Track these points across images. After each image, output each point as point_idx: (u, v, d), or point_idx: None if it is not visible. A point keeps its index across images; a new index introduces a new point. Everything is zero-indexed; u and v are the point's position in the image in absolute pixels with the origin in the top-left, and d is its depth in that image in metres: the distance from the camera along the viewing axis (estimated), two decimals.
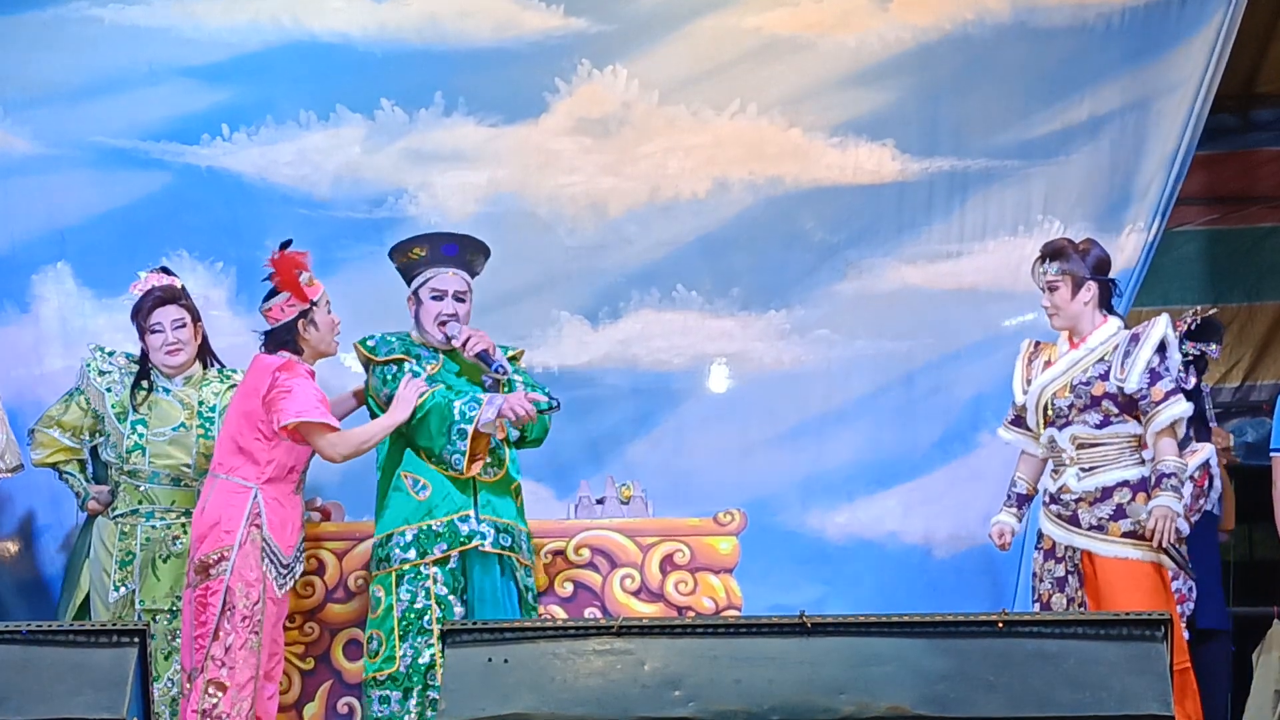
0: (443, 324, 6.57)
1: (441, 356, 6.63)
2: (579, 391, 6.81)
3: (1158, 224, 7.54)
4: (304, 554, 6.53)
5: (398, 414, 6.38)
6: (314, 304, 6.42)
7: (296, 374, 6.34)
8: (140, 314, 6.75)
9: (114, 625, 5.48)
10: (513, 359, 6.69)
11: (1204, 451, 6.78)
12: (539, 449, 6.76)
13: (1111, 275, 6.43)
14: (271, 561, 6.31)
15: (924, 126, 7.67)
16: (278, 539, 6.32)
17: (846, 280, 7.70)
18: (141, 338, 6.79)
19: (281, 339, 6.43)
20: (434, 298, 6.59)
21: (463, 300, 6.60)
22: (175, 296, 6.73)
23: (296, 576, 6.48)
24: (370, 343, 6.63)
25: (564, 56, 7.72)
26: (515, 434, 6.58)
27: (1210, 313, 7.08)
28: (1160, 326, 6.31)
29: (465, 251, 6.65)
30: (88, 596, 6.78)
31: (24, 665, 5.11)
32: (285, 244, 6.48)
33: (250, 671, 6.24)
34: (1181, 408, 6.23)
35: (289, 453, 6.38)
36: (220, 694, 6.20)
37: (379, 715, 6.44)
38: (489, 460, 6.50)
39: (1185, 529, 6.28)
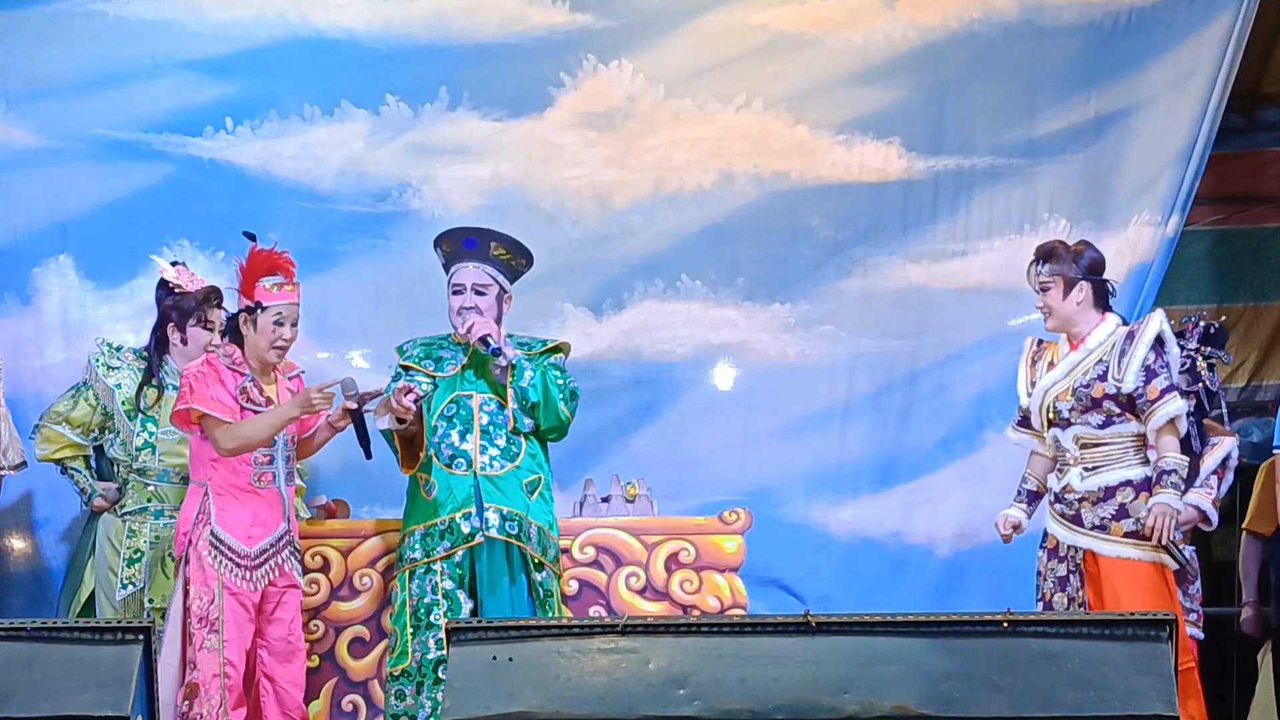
0: (462, 318, 6.63)
1: (468, 354, 6.68)
2: (582, 383, 6.80)
3: (1176, 221, 7.53)
4: (281, 548, 6.38)
5: (288, 410, 6.35)
6: (260, 306, 6.36)
7: (201, 366, 6.33)
8: (198, 306, 6.75)
9: (119, 623, 5.47)
10: (556, 349, 6.75)
11: (1225, 445, 6.86)
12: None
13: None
14: (227, 557, 6.27)
15: (930, 125, 7.66)
16: (232, 533, 6.27)
17: (851, 277, 7.70)
18: (181, 327, 6.78)
19: (232, 325, 6.45)
20: (455, 292, 6.67)
21: (483, 293, 6.64)
22: (223, 301, 6.76)
23: (279, 569, 6.36)
24: (404, 345, 6.76)
25: (569, 52, 7.72)
26: (527, 425, 6.62)
27: (1221, 319, 7.11)
28: (1155, 323, 6.30)
29: (485, 245, 6.69)
30: (93, 594, 6.78)
31: (29, 662, 5.10)
32: (270, 246, 6.46)
33: (212, 669, 6.21)
34: (1177, 405, 6.22)
35: None
36: (194, 695, 6.20)
37: (395, 709, 6.52)
38: (497, 454, 6.55)
39: (1215, 517, 6.29)
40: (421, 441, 6.58)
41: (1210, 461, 6.94)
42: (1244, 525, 7.22)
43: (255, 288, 6.35)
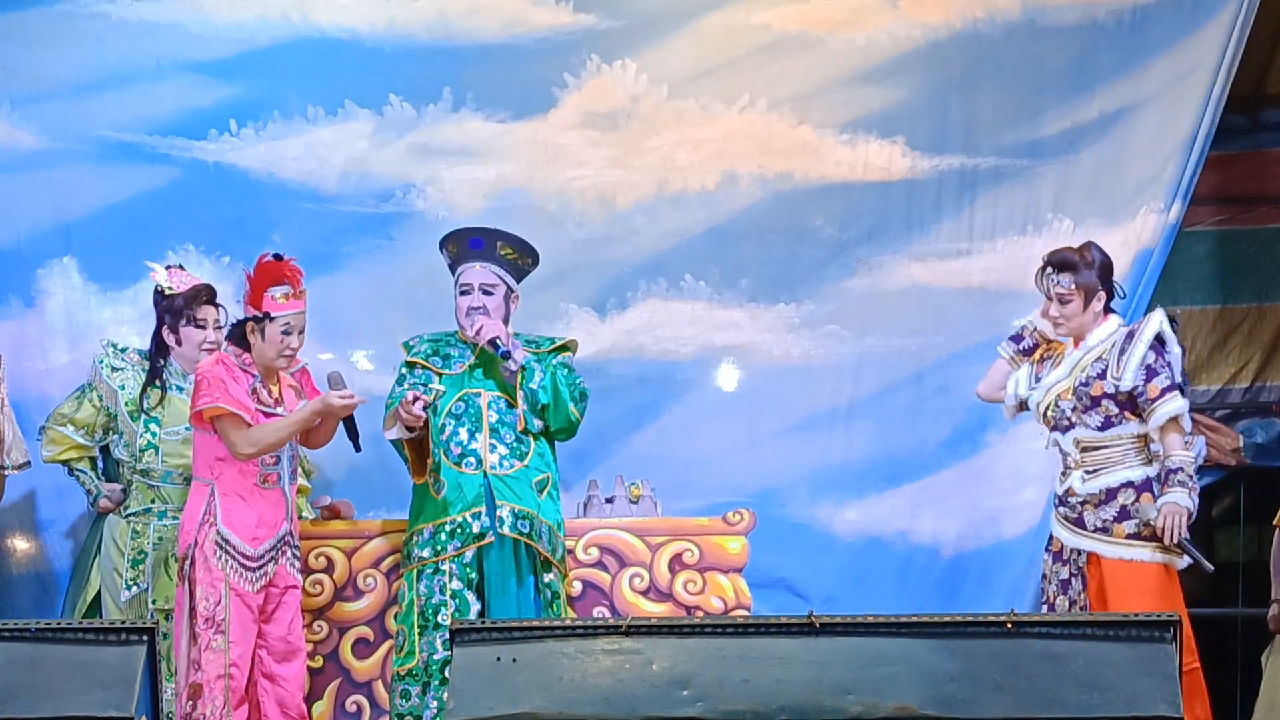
0: (470, 318, 6.64)
1: (475, 352, 6.68)
2: (587, 382, 6.82)
3: (1178, 208, 7.52)
4: (282, 549, 6.38)
5: (306, 415, 6.35)
6: (268, 316, 6.33)
7: (216, 366, 6.32)
8: (186, 305, 6.74)
9: (123, 624, 5.47)
10: (563, 348, 6.75)
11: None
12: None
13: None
14: (232, 557, 6.26)
15: (934, 124, 7.66)
16: (237, 534, 6.27)
17: (856, 277, 7.71)
18: (174, 329, 6.78)
19: (238, 332, 6.44)
20: (462, 292, 6.69)
21: (490, 293, 6.67)
22: (216, 298, 6.74)
23: (282, 570, 6.35)
24: (411, 341, 6.75)
25: (572, 52, 7.72)
26: (537, 425, 6.62)
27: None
28: (1154, 322, 6.31)
29: (491, 245, 6.70)
30: (98, 595, 6.79)
31: (32, 663, 5.12)
32: (277, 256, 6.43)
33: (217, 670, 6.20)
34: (1178, 403, 6.23)
35: None
36: (198, 696, 6.20)
37: (401, 708, 6.52)
38: (507, 453, 6.55)
39: (1195, 511, 6.30)
40: (430, 448, 6.59)
41: None
42: (1275, 522, 7.24)
43: (264, 298, 6.33)
